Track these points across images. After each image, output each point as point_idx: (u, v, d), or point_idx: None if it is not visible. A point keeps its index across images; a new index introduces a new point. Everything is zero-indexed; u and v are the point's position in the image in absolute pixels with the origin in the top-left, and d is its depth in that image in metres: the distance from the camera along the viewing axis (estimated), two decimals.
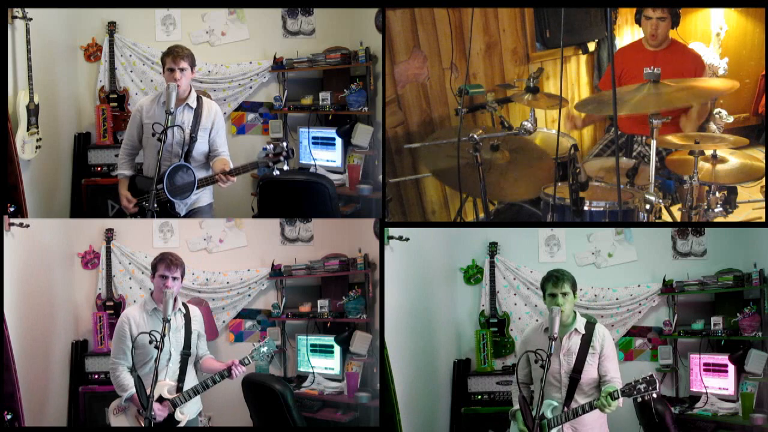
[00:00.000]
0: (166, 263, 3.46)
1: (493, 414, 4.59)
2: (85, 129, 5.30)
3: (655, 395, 3.01)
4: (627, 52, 4.80)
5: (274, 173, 3.78)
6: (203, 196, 4.06)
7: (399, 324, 4.09)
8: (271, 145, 3.76)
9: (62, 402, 4.67)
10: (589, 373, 3.24)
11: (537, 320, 4.73)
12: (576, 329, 3.28)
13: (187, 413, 3.45)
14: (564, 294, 3.22)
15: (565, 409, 3.20)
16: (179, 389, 3.43)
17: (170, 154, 3.87)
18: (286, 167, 3.91)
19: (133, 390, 3.33)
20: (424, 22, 4.81)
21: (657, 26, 4.48)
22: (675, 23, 4.54)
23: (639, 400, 3.04)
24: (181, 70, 3.83)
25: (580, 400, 3.22)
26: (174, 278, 3.45)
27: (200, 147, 3.96)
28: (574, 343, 3.27)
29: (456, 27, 4.91)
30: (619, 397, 3.06)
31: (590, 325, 3.30)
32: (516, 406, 3.33)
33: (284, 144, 3.74)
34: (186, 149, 3.88)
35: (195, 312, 3.62)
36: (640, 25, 4.61)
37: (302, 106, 5.36)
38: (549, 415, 3.18)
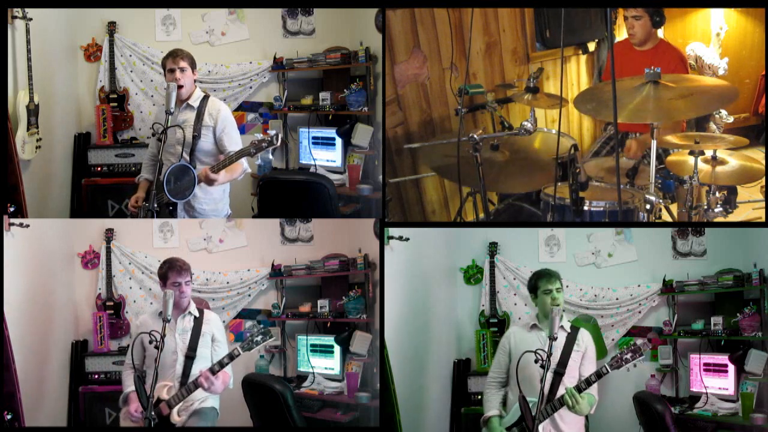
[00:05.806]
0: (176, 270, 3.49)
1: None
2: (85, 129, 5.30)
3: (642, 358, 3.11)
4: (614, 50, 4.75)
5: (257, 162, 3.68)
6: (217, 209, 4.03)
7: (399, 324, 4.09)
8: (259, 135, 3.70)
9: (62, 402, 4.67)
10: (573, 369, 3.27)
11: None
12: (562, 326, 3.31)
13: (202, 417, 3.45)
14: (558, 289, 3.31)
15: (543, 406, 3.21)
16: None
17: (172, 154, 3.84)
18: (270, 156, 3.86)
19: (130, 389, 3.39)
20: (424, 22, 4.80)
21: (633, 26, 4.46)
22: (657, 23, 4.49)
23: (628, 370, 3.09)
24: (182, 69, 3.81)
25: None
26: (187, 283, 3.51)
27: (204, 145, 3.87)
28: (560, 338, 3.29)
29: (456, 27, 4.91)
30: (586, 388, 3.12)
31: (574, 328, 3.36)
32: (492, 412, 3.35)
33: (272, 132, 3.65)
34: (190, 148, 3.83)
35: (210, 317, 3.65)
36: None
37: (302, 106, 5.35)
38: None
